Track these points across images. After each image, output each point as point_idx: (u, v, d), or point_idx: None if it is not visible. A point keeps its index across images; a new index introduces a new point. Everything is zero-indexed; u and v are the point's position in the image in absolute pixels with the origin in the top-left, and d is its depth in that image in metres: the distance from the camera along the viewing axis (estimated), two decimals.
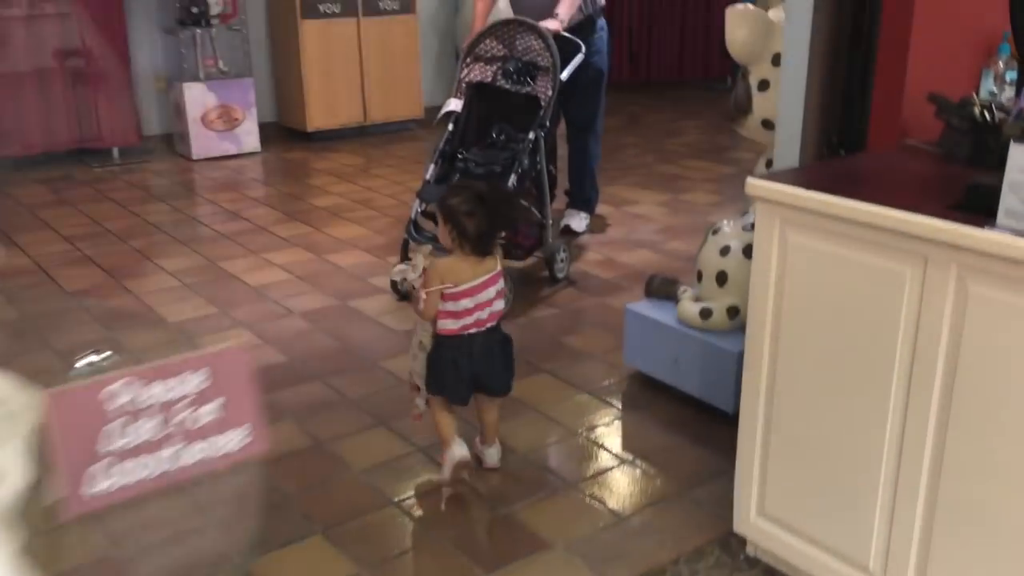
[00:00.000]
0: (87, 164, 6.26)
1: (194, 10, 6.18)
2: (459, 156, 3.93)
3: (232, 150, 6.55)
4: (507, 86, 4.01)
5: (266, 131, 7.03)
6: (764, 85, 2.90)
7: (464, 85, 4.08)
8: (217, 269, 4.34)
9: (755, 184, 2.07)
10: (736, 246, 2.96)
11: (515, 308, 3.74)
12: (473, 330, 2.45)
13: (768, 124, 2.91)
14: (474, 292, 2.42)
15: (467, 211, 2.38)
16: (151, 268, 4.37)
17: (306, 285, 4.14)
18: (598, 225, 4.90)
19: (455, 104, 4.05)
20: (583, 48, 4.16)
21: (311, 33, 6.71)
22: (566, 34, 4.16)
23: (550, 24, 4.07)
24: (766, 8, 2.97)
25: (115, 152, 6.35)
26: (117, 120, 6.29)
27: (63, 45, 6.09)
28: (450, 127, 4.02)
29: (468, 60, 4.09)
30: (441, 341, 2.46)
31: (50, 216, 5.16)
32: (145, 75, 6.63)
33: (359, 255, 4.51)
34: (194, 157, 6.42)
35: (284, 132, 7.22)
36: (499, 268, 2.48)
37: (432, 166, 3.95)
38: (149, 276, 4.27)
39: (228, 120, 6.50)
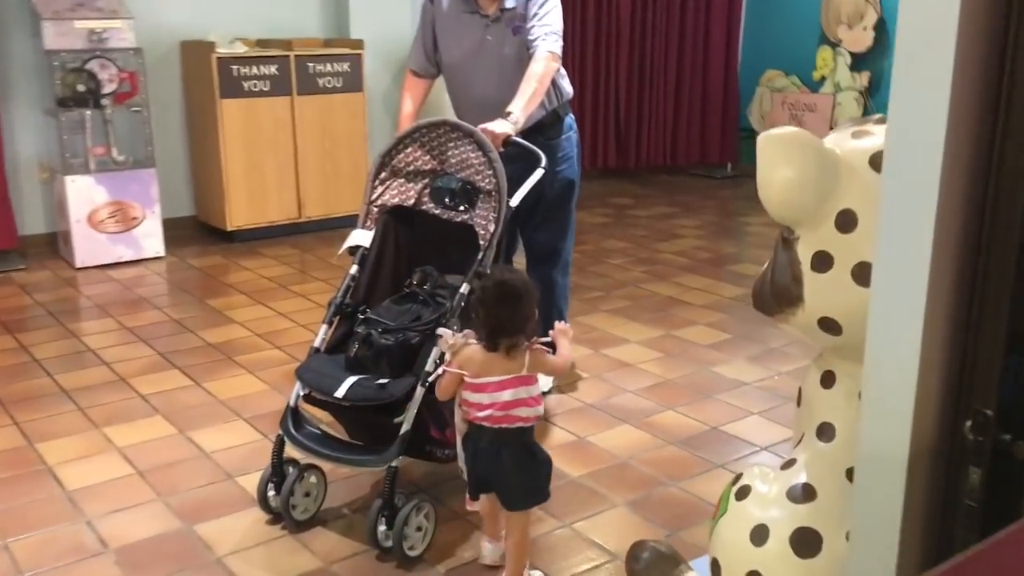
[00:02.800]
0: None
1: (81, 88, 5.04)
2: (360, 315, 2.76)
3: (128, 256, 5.36)
4: (435, 211, 2.86)
5: (179, 229, 5.88)
6: (823, 262, 1.73)
7: (375, 210, 2.92)
8: (28, 455, 3.12)
9: None
10: (779, 527, 1.76)
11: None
12: (485, 424, 2.29)
13: (830, 325, 1.73)
14: (488, 389, 2.27)
15: (481, 299, 2.29)
16: None
17: (146, 490, 2.91)
18: (568, 381, 3.70)
19: (361, 237, 2.89)
20: (543, 160, 3.01)
21: (233, 114, 5.58)
22: (520, 141, 3.01)
23: (498, 127, 2.93)
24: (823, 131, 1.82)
25: None
26: None
27: None
28: (352, 270, 2.85)
29: (383, 175, 2.93)
30: (468, 426, 2.36)
31: None
32: (26, 162, 5.46)
33: (238, 431, 3.29)
34: (77, 265, 5.23)
35: (202, 231, 6.06)
36: (522, 373, 2.27)
37: (324, 328, 2.78)
38: None
39: (123, 220, 5.33)
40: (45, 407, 3.49)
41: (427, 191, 2.87)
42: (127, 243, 5.35)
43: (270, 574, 2.47)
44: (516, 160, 2.97)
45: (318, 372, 2.62)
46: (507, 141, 2.93)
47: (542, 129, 3.31)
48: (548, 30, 3.20)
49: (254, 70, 5.61)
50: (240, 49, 5.63)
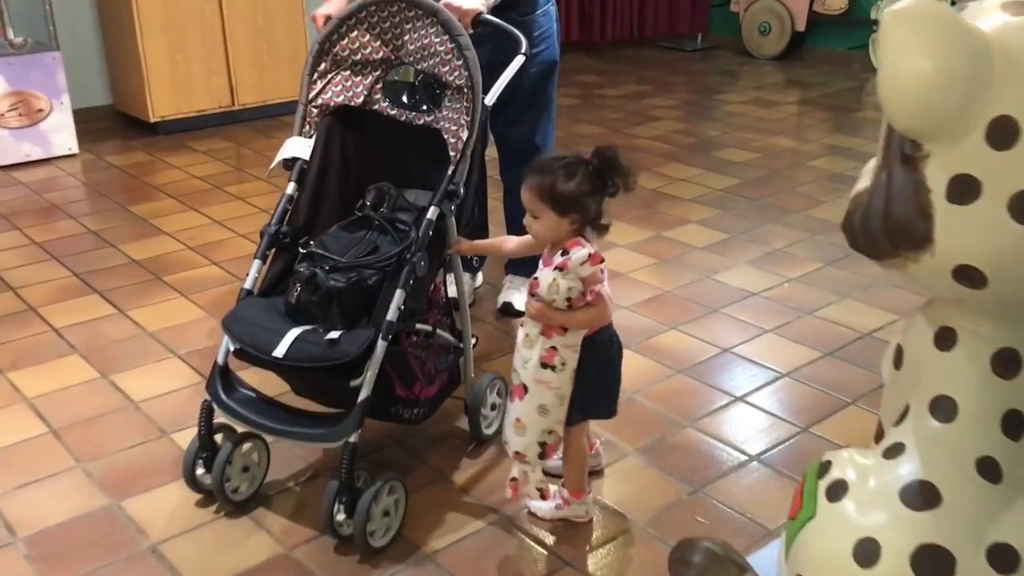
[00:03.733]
0: None
1: None
2: (302, 247, 2.20)
3: (36, 154, 4.68)
4: (391, 112, 2.29)
5: (93, 121, 5.20)
6: (967, 189, 1.25)
7: (315, 112, 2.33)
8: None
9: None
10: (894, 542, 1.33)
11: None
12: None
13: (972, 275, 1.27)
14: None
15: (590, 190, 1.89)
16: None
17: (62, 455, 2.41)
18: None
19: (298, 146, 2.30)
20: (523, 45, 2.39)
21: None
22: (493, 19, 2.41)
23: (466, 3, 2.33)
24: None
25: None
26: None
27: None
28: (289, 190, 2.28)
29: (322, 67, 2.33)
30: (603, 340, 1.98)
31: None
32: None
33: (172, 373, 2.78)
34: None
35: (121, 122, 5.36)
36: None
37: (256, 264, 2.21)
38: None
39: (27, 112, 4.62)
40: None
41: (379, 87, 2.29)
42: (34, 139, 4.66)
43: (219, 567, 2.02)
44: (485, 42, 2.37)
45: (251, 323, 2.08)
46: (477, 20, 2.36)
47: (514, 4, 2.70)
48: None
49: None
50: None
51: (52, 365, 2.84)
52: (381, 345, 1.97)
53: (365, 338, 1.97)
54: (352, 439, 1.97)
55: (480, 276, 3.33)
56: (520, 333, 1.98)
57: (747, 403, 2.62)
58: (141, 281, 3.40)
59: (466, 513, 2.17)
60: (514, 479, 2.04)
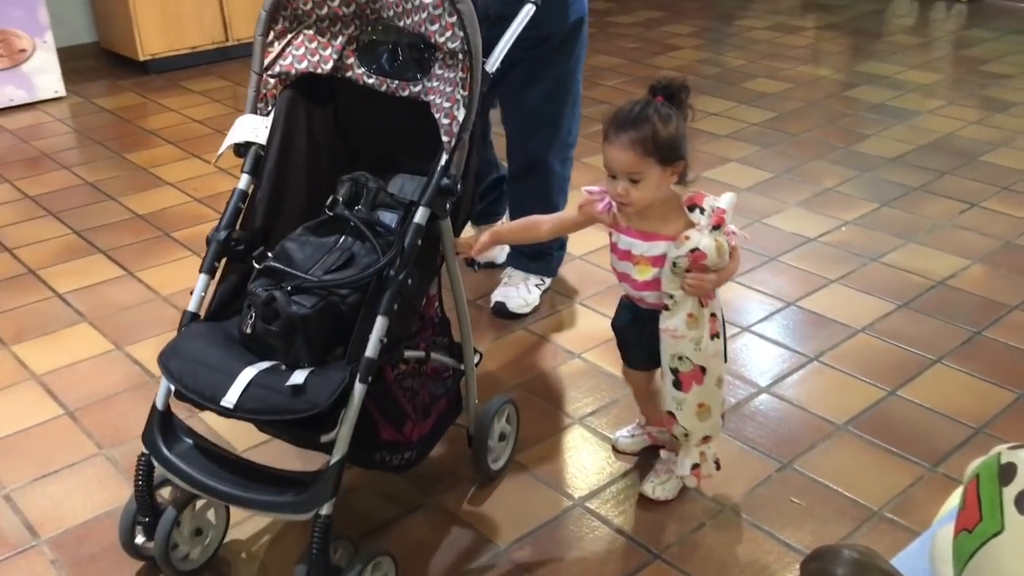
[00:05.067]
0: None
1: None
2: (257, 261, 1.71)
3: (20, 98, 4.35)
4: (369, 80, 1.81)
5: (80, 60, 4.86)
6: None
7: (272, 83, 1.85)
8: None
9: None
10: None
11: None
12: None
13: None
14: None
15: (685, 129, 1.68)
16: None
17: (82, 440, 2.18)
18: (564, 290, 2.88)
19: (252, 127, 1.83)
20: None
21: None
22: None
23: None
24: None
25: None
26: None
27: None
28: (241, 184, 1.81)
29: (279, 26, 1.83)
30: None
31: None
32: None
33: None
34: None
35: (109, 61, 5.01)
36: None
37: (203, 280, 1.75)
38: None
39: (8, 53, 4.27)
40: None
41: (353, 48, 1.82)
42: (17, 82, 4.32)
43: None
44: None
45: (195, 361, 1.61)
46: None
47: None
48: None
49: None
50: None
51: (60, 336, 2.60)
52: (359, 389, 1.54)
53: (338, 382, 1.53)
54: (324, 511, 1.55)
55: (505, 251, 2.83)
56: (671, 324, 1.73)
57: (823, 364, 2.42)
58: (147, 238, 3.14)
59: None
60: (696, 465, 1.85)
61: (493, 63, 1.78)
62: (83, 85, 4.65)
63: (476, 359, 1.98)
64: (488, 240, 1.87)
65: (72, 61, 4.73)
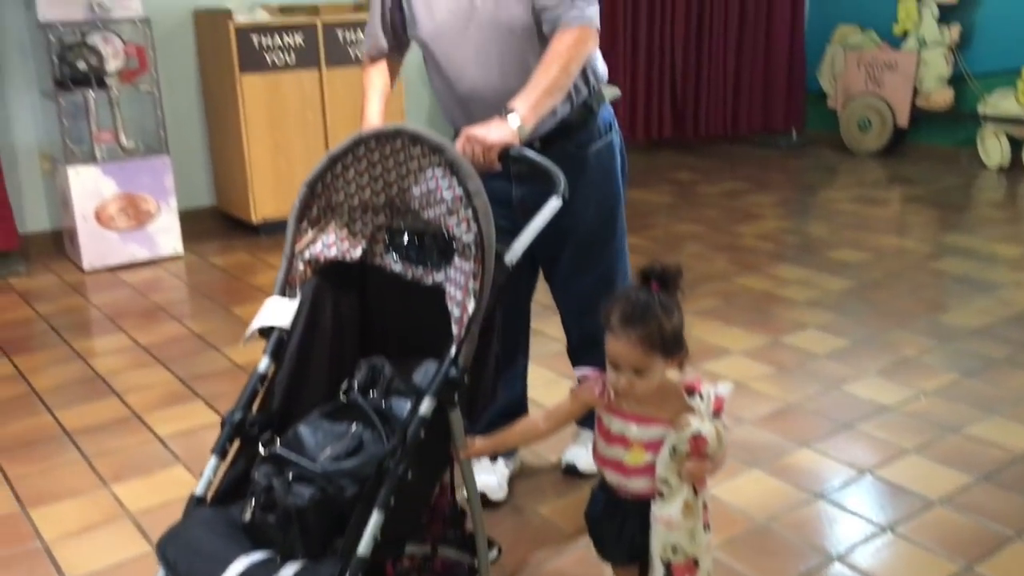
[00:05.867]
0: None
1: (81, 65, 4.40)
2: (264, 445, 1.75)
3: (142, 255, 4.75)
4: (395, 268, 1.90)
5: (198, 223, 5.27)
6: None
7: (302, 267, 1.91)
8: (21, 527, 2.51)
9: None
10: None
11: None
12: None
13: None
14: None
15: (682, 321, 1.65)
16: None
17: None
18: None
19: (278, 311, 1.88)
20: (560, 184, 1.87)
21: (255, 90, 4.92)
22: (528, 153, 1.96)
23: (492, 133, 1.92)
24: None
25: None
26: None
27: None
28: (261, 367, 1.86)
29: (313, 213, 1.90)
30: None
31: None
32: (26, 152, 4.84)
33: None
34: (85, 267, 4.62)
35: (224, 223, 5.43)
36: None
37: (213, 461, 1.79)
38: None
39: (135, 215, 4.70)
40: (43, 455, 2.89)
41: (381, 236, 1.90)
42: (140, 241, 4.73)
43: None
44: (527, 181, 2.10)
45: (191, 549, 1.62)
46: (505, 154, 1.94)
47: (568, 131, 2.24)
48: None
49: (277, 40, 4.93)
50: (262, 17, 4.97)
51: (156, 477, 2.76)
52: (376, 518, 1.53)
53: None
54: None
55: (518, 459, 2.69)
56: (667, 512, 1.66)
57: (897, 535, 2.38)
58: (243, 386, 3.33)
59: None
60: None
61: (513, 256, 1.77)
62: (200, 244, 5.04)
63: (494, 553, 1.92)
64: (487, 446, 1.83)
65: (191, 222, 5.15)
